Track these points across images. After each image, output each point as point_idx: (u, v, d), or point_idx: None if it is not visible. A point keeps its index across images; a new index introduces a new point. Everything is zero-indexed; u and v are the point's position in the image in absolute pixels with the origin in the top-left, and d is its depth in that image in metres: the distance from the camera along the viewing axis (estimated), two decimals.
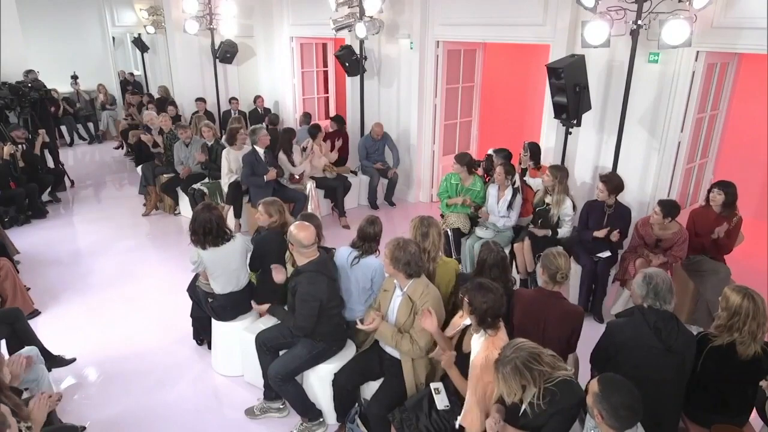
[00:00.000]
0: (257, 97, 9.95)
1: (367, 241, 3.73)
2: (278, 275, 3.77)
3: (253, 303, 3.89)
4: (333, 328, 3.54)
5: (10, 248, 5.64)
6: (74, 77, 11.75)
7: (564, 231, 5.03)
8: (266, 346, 3.67)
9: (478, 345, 2.82)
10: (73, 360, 4.23)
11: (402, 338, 3.18)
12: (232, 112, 9.55)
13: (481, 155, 7.66)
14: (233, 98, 9.80)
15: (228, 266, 3.92)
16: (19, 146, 7.24)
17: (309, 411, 3.60)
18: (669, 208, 4.50)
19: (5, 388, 2.79)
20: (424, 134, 7.81)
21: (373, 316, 3.31)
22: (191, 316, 4.48)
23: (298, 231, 3.33)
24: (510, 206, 5.26)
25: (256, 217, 4.23)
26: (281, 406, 3.77)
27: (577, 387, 2.46)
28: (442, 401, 2.98)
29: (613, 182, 4.77)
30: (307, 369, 3.60)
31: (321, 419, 3.63)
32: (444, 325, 3.24)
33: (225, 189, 6.68)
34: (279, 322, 3.77)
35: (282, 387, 3.52)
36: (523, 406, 2.51)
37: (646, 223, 4.71)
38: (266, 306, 3.68)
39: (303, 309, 3.33)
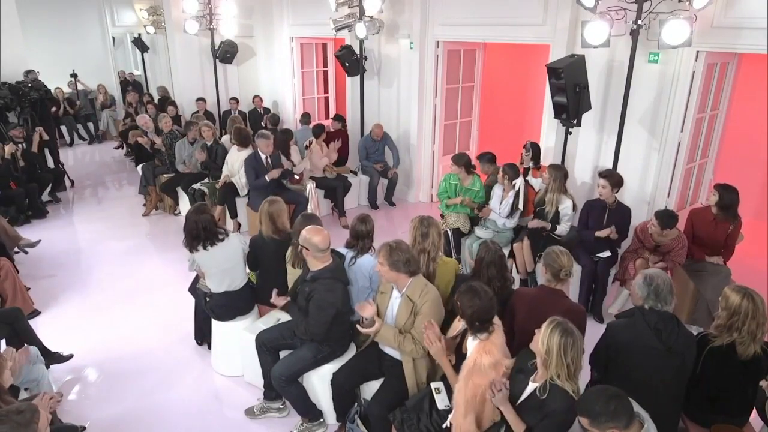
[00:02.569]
0: (255, 97, 9.94)
1: (360, 240, 3.75)
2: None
3: (273, 294, 3.78)
4: (343, 332, 3.56)
5: (11, 242, 5.69)
6: (74, 75, 11.75)
7: (561, 229, 5.03)
8: (266, 346, 3.67)
9: (472, 346, 2.83)
10: (71, 356, 4.24)
11: (404, 339, 3.17)
12: (232, 111, 9.55)
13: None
14: (234, 98, 9.81)
15: (221, 265, 3.92)
16: (20, 146, 7.24)
17: (310, 411, 3.60)
18: (666, 219, 4.44)
19: (4, 393, 2.79)
20: (424, 134, 7.81)
21: (367, 309, 3.27)
22: (195, 316, 4.49)
23: (312, 235, 3.30)
24: (511, 213, 5.25)
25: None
26: (281, 406, 3.77)
27: (567, 396, 2.43)
28: (442, 401, 2.98)
29: (614, 177, 4.77)
30: (311, 370, 3.60)
31: (321, 419, 3.63)
32: (445, 325, 3.23)
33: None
34: (279, 322, 3.77)
35: (285, 388, 3.52)
36: (527, 391, 2.53)
37: (645, 230, 4.71)
38: (284, 299, 3.64)
39: (319, 316, 3.30)
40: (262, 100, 9.96)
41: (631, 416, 2.18)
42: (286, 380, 3.48)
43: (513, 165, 5.33)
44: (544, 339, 2.45)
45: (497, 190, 5.38)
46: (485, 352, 2.72)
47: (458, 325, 3.08)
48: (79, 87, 11.84)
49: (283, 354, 3.67)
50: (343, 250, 3.80)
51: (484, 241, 3.67)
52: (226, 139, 7.59)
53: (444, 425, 2.87)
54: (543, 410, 2.44)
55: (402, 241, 3.25)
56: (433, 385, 3.09)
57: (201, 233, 3.79)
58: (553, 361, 2.41)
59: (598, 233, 4.76)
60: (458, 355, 3.02)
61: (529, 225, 5.14)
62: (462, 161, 5.53)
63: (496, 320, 2.89)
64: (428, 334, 3.00)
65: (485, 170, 5.84)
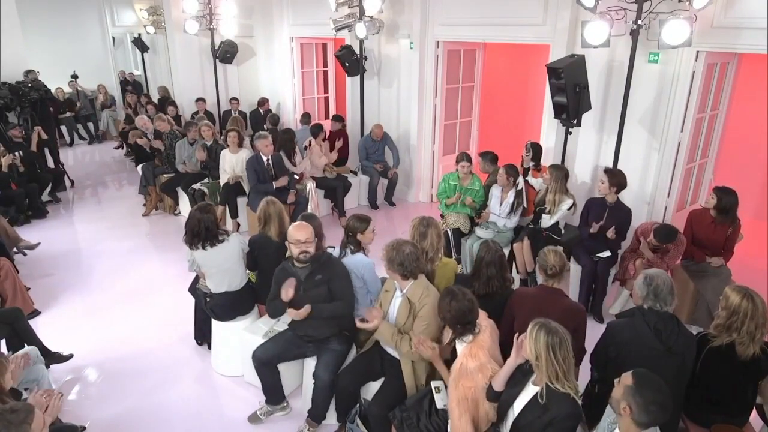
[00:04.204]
0: (264, 100, 9.90)
1: (351, 236, 3.75)
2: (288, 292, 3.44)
3: (289, 311, 3.41)
4: None
5: (11, 242, 5.70)
6: (74, 76, 11.78)
7: (546, 221, 5.02)
8: (272, 363, 3.62)
9: (460, 349, 2.84)
10: (71, 356, 4.24)
11: (401, 339, 3.17)
12: (232, 112, 9.55)
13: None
14: (234, 98, 9.80)
15: (221, 266, 3.92)
16: (18, 153, 7.20)
17: (322, 416, 3.58)
18: (664, 237, 4.43)
19: (5, 393, 2.79)
20: (424, 134, 7.81)
21: (374, 315, 3.30)
22: (195, 316, 4.49)
23: (295, 231, 3.36)
24: (513, 210, 5.26)
25: None
26: (285, 405, 3.77)
27: (573, 402, 2.40)
28: (442, 400, 2.98)
29: (616, 176, 4.77)
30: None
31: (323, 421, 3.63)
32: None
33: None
34: (272, 336, 3.75)
35: (331, 392, 3.49)
36: (528, 395, 2.51)
37: (646, 232, 4.70)
38: (305, 309, 3.36)
39: (347, 286, 3.51)
40: (269, 103, 9.94)
41: (649, 425, 2.17)
42: (332, 383, 3.45)
43: (513, 166, 5.34)
44: (530, 345, 2.42)
45: (495, 191, 5.39)
46: (471, 356, 2.72)
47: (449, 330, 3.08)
48: (79, 89, 11.85)
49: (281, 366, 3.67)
50: (338, 250, 3.79)
51: (485, 240, 3.67)
52: None
53: (448, 430, 2.87)
54: (544, 417, 2.41)
55: (407, 243, 3.24)
56: (433, 384, 3.08)
57: (202, 232, 3.80)
58: (543, 364, 2.39)
59: (592, 230, 4.77)
60: (453, 357, 3.01)
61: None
62: (469, 158, 5.53)
63: (485, 321, 2.89)
64: (419, 347, 3.01)
65: (485, 169, 5.83)
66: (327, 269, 3.46)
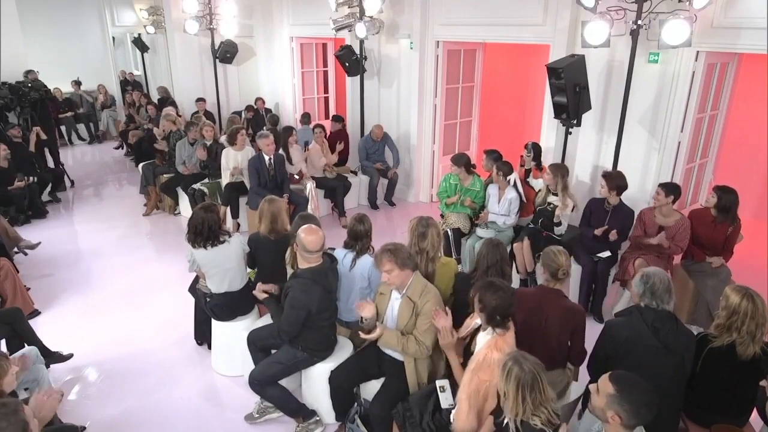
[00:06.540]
0: (258, 99, 9.92)
1: (359, 240, 3.73)
2: None
3: (259, 285, 3.78)
4: (320, 339, 3.50)
5: (11, 242, 5.70)
6: (77, 83, 11.83)
7: (560, 229, 5.03)
8: (255, 345, 3.69)
9: (483, 341, 2.82)
10: (71, 356, 4.24)
11: (407, 341, 3.16)
12: (242, 114, 9.54)
13: (481, 155, 7.67)
14: (250, 106, 9.70)
15: (222, 266, 3.92)
16: (32, 178, 7.17)
17: (299, 411, 3.58)
18: (670, 188, 4.54)
19: (3, 395, 2.80)
20: (424, 134, 7.81)
21: (366, 308, 3.24)
22: (195, 316, 4.49)
23: (306, 235, 3.28)
24: (510, 204, 5.28)
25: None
26: (317, 419, 3.67)
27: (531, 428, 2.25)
28: (446, 399, 2.96)
29: (613, 180, 4.76)
30: (287, 376, 3.59)
31: (316, 417, 3.61)
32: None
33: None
34: (272, 321, 3.76)
35: (262, 391, 3.52)
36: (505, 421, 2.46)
37: (649, 210, 4.71)
38: (264, 294, 3.70)
39: (290, 315, 3.30)
40: (264, 102, 9.95)
41: (637, 426, 2.14)
42: (259, 383, 3.48)
43: (506, 161, 5.38)
44: (501, 383, 2.28)
45: (492, 191, 5.40)
46: (496, 349, 2.69)
47: (470, 323, 3.07)
48: (81, 93, 11.87)
49: None
50: (341, 252, 3.79)
51: (489, 238, 3.67)
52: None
53: (451, 417, 2.85)
54: None
55: (396, 243, 3.23)
56: (438, 383, 3.06)
57: (205, 231, 3.80)
58: (510, 401, 2.25)
59: (595, 231, 4.77)
60: (467, 356, 3.00)
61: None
62: (462, 161, 5.53)
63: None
64: (441, 326, 2.96)
65: (488, 167, 5.80)
66: (291, 285, 3.34)
